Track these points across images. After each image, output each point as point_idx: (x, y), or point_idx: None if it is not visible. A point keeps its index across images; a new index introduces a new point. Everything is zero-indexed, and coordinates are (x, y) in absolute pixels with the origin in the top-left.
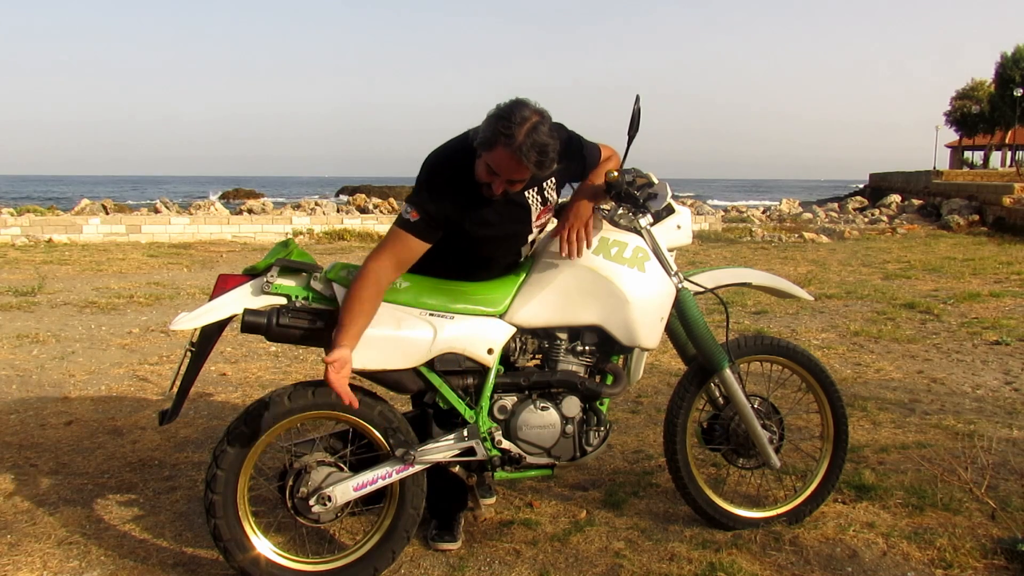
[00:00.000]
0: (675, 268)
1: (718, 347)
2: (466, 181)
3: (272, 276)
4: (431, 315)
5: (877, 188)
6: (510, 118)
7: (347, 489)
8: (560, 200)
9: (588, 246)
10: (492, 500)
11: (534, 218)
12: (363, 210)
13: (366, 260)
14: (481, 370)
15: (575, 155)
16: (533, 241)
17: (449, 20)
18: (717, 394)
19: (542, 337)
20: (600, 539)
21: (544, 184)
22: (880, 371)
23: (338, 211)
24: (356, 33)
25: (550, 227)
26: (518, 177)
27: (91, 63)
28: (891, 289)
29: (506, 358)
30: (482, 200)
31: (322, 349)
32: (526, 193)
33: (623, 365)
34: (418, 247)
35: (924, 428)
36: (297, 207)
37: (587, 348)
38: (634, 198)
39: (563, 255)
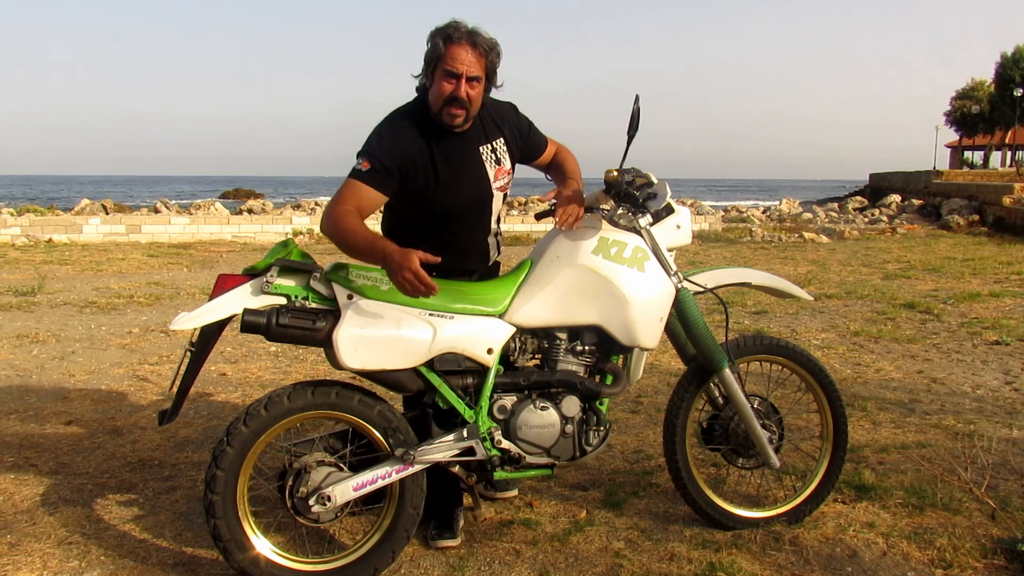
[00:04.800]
0: (675, 268)
1: (718, 347)
2: (415, 131)
3: (272, 276)
4: (431, 315)
5: (877, 188)
6: (447, 25)
7: (347, 489)
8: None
9: (577, 221)
10: (514, 493)
11: (492, 178)
12: None
13: (328, 209)
14: (481, 370)
15: (524, 126)
16: (498, 220)
17: (448, 20)
18: (717, 394)
19: (542, 337)
20: (600, 539)
21: (494, 143)
22: (880, 371)
23: None
24: (356, 32)
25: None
26: (475, 73)
27: (91, 63)
28: (891, 289)
29: (506, 358)
30: (433, 152)
31: (322, 349)
32: (479, 149)
33: (623, 365)
34: (373, 197)
35: (924, 428)
36: (297, 207)
37: (587, 348)
38: (633, 198)
39: (558, 227)
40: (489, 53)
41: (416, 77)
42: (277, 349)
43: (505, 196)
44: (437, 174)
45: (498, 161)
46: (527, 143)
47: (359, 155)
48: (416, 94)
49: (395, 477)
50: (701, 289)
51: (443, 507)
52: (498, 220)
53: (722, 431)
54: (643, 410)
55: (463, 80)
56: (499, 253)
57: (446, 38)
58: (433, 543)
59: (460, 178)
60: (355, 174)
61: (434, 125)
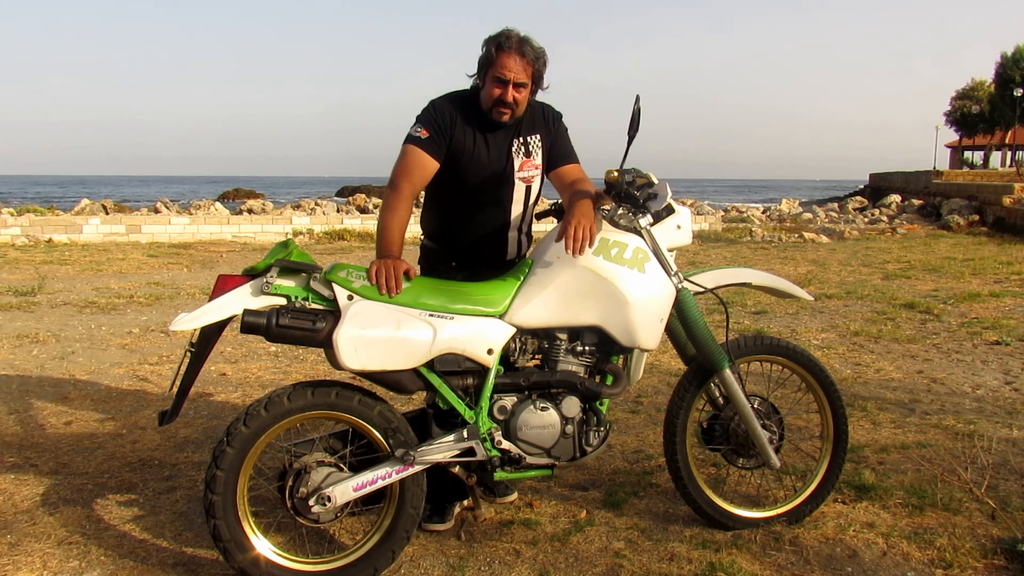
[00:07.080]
0: (675, 268)
1: (718, 347)
2: (462, 108)
3: (272, 276)
4: (431, 315)
5: (877, 188)
6: (499, 34)
7: (347, 489)
8: (554, 202)
9: (591, 244)
10: (512, 497)
11: (516, 167)
12: (363, 210)
13: (393, 177)
14: (481, 370)
15: (560, 130)
16: (524, 212)
17: (449, 20)
18: (717, 394)
19: (542, 337)
20: (600, 539)
21: (529, 137)
22: (880, 371)
23: (338, 211)
24: (356, 32)
25: (552, 223)
26: (522, 79)
27: (91, 63)
28: (891, 289)
29: (506, 358)
30: (471, 129)
31: (322, 349)
32: (513, 139)
33: (623, 365)
34: (430, 164)
35: (924, 428)
36: (297, 207)
37: (587, 348)
38: (634, 198)
39: (567, 250)
40: (536, 61)
41: (471, 77)
42: (277, 349)
43: (529, 189)
44: (470, 148)
45: (528, 154)
46: (554, 146)
47: (417, 121)
48: (470, 90)
49: (395, 477)
50: (701, 289)
51: (441, 498)
52: (525, 218)
53: (722, 431)
54: (643, 410)
55: (510, 85)
56: (520, 252)
57: (498, 47)
58: (424, 526)
59: (486, 157)
60: (415, 140)
61: (480, 111)
